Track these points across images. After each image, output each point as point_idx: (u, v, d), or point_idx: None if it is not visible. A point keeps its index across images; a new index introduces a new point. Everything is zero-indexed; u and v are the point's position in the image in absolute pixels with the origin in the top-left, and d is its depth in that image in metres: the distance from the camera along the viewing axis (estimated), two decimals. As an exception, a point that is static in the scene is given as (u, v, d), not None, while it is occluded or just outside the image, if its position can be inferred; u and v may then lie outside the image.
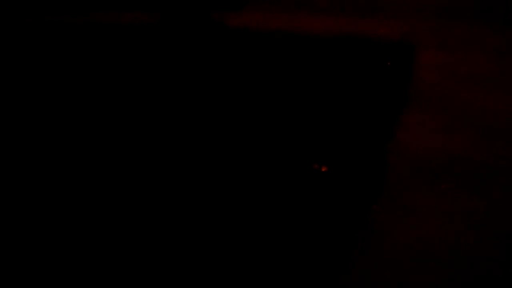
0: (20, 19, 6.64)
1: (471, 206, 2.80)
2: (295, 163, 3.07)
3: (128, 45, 5.56)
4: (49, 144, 3.33)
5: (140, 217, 2.59)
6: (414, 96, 4.25)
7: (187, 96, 4.12)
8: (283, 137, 3.39)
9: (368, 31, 6.19)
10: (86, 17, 6.81)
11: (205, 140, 3.36)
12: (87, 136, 3.44)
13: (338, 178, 2.93)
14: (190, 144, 3.32)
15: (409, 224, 2.65)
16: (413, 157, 3.29)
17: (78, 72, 4.69)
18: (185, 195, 2.76)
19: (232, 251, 2.37)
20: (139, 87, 4.32)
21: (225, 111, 3.81)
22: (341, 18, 6.85)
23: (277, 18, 6.77)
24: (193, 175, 2.95)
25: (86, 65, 4.87)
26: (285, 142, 3.33)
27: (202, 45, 5.59)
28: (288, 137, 3.40)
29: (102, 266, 2.27)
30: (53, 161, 3.11)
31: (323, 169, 2.98)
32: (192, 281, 2.22)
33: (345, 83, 4.32)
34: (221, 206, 2.68)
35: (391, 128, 3.63)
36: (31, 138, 3.40)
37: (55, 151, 3.24)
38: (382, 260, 2.40)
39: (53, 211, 2.64)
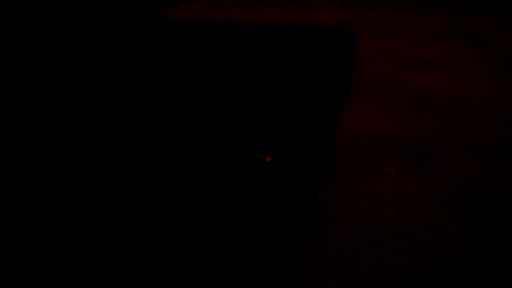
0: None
1: (413, 189, 2.86)
2: (239, 154, 3.06)
3: (71, 41, 5.46)
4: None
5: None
6: (355, 82, 4.30)
7: (129, 90, 4.06)
8: (227, 128, 3.38)
9: (308, 20, 6.22)
10: (23, 15, 6.64)
11: (149, 133, 3.32)
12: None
13: (284, 167, 2.94)
14: (133, 137, 3.27)
15: (354, 209, 2.68)
16: (356, 142, 3.33)
17: (27, 70, 4.58)
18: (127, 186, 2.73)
19: (180, 242, 2.35)
20: (84, 82, 4.24)
21: (168, 104, 3.77)
22: (281, 7, 6.87)
23: (215, 10, 6.74)
24: (138, 167, 2.91)
25: (35, 63, 4.76)
26: (228, 132, 3.31)
27: (140, 39, 5.52)
28: (231, 127, 3.39)
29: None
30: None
31: (268, 159, 2.98)
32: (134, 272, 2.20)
33: (287, 72, 4.34)
34: (167, 197, 2.65)
35: (334, 115, 3.66)
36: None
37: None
38: (329, 246, 2.42)
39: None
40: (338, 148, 3.26)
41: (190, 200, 2.65)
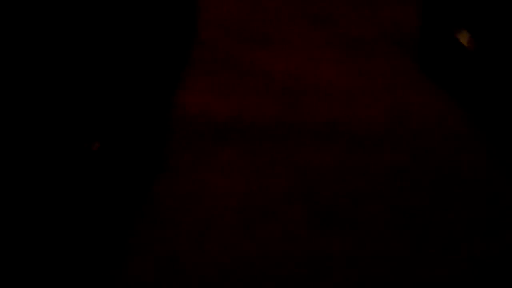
0: None
1: (254, 164, 2.88)
2: (60, 144, 2.75)
3: None
4: None
5: None
6: (195, 56, 4.16)
7: None
8: (41, 115, 3.02)
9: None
10: None
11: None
12: None
13: (114, 154, 2.73)
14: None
15: (194, 193, 2.64)
16: (196, 120, 3.24)
17: None
18: None
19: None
20: None
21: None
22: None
23: None
24: None
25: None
26: (45, 120, 2.95)
27: None
28: (47, 114, 3.02)
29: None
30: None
31: (95, 147, 2.73)
32: None
33: (113, 45, 4.09)
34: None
35: (172, 93, 3.50)
36: None
37: None
38: (171, 228, 2.38)
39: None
40: (175, 127, 3.17)
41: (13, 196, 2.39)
